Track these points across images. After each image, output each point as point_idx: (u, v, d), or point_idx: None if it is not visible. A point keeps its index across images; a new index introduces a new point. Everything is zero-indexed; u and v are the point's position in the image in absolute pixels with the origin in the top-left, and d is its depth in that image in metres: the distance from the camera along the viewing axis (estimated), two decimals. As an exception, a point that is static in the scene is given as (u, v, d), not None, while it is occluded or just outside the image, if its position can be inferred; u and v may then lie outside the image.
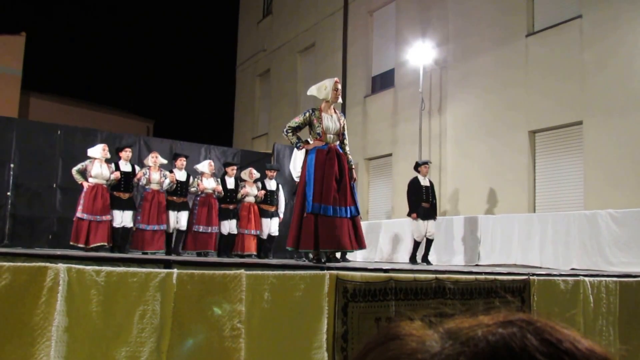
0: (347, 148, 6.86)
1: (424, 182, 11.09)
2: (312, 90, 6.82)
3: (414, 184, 11.08)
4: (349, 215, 6.40)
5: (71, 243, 10.22)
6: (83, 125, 16.26)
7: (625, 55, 10.64)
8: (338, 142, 6.65)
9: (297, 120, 6.65)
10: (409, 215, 11.06)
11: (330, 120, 6.58)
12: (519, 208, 12.11)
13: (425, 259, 10.98)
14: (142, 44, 48.78)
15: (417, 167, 11.30)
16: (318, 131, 6.53)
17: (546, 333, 0.62)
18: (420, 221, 10.86)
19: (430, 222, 10.96)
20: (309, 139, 6.74)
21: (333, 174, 6.35)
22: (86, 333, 3.22)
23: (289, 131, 6.66)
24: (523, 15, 12.72)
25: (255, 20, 25.02)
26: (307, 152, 6.61)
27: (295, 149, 8.43)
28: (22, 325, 3.04)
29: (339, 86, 6.69)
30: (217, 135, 32.49)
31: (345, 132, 6.87)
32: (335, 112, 6.72)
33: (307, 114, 6.61)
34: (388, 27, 17.24)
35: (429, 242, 11.04)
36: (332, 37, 19.41)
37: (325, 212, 6.22)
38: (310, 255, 6.43)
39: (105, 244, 10.37)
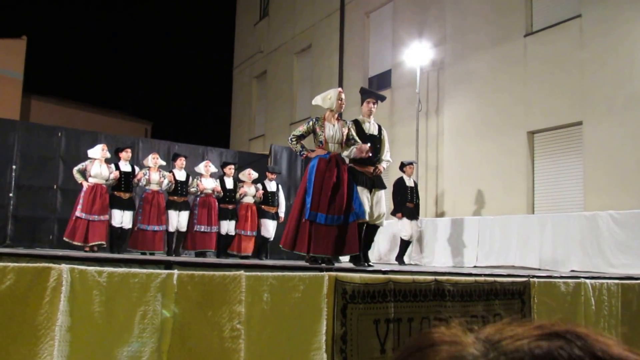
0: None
1: (409, 182, 11.21)
2: (317, 100, 6.93)
3: (399, 184, 11.17)
4: (341, 222, 6.50)
5: (65, 238, 10.33)
6: (83, 127, 16.39)
7: (626, 55, 10.63)
8: (340, 151, 6.75)
9: (301, 129, 6.82)
10: (393, 214, 11.13)
11: (333, 129, 6.70)
12: (518, 209, 12.11)
13: (400, 259, 11.05)
14: (141, 47, 48.88)
15: (402, 167, 11.39)
16: (320, 139, 6.66)
17: (595, 348, 0.59)
18: (406, 220, 10.95)
19: (413, 223, 11.05)
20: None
21: (331, 183, 6.46)
22: (88, 333, 3.23)
23: (294, 140, 6.83)
24: (522, 14, 12.73)
25: (252, 22, 25.03)
26: (309, 159, 6.75)
27: None
28: (26, 324, 3.05)
29: (343, 96, 6.83)
30: (214, 137, 32.48)
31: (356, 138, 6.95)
32: (338, 121, 6.83)
33: (311, 123, 6.76)
34: (385, 28, 17.25)
35: (408, 243, 11.15)
36: (328, 39, 19.41)
37: (320, 220, 6.37)
38: (306, 257, 6.54)
39: (103, 242, 10.44)
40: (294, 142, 6.82)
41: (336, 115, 6.83)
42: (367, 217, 6.99)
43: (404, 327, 4.64)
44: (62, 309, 3.10)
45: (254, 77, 24.45)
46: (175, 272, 3.59)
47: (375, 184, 7.17)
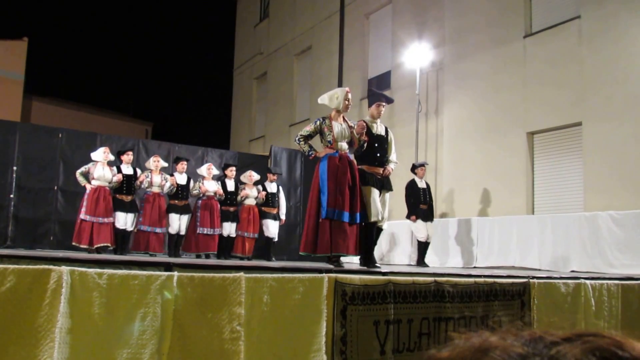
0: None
1: (421, 184, 11.16)
2: (324, 99, 6.89)
3: (411, 186, 11.12)
4: (358, 221, 6.53)
5: (73, 243, 10.38)
6: (83, 129, 16.45)
7: (624, 55, 10.63)
8: (348, 150, 6.74)
9: (308, 129, 6.77)
10: (408, 217, 11.10)
11: (340, 127, 6.70)
12: (518, 210, 12.10)
13: (420, 262, 11.01)
14: (141, 48, 48.92)
15: (414, 169, 11.35)
16: (329, 139, 6.64)
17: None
18: (421, 222, 10.90)
19: (428, 224, 11.00)
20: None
21: (346, 181, 6.46)
22: (88, 335, 3.23)
23: (301, 140, 6.78)
24: (521, 16, 12.72)
25: (252, 23, 25.04)
26: (319, 159, 6.70)
27: None
28: (26, 326, 3.05)
29: (350, 96, 6.81)
30: (214, 138, 32.48)
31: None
32: (344, 120, 6.84)
33: (318, 123, 6.73)
34: (384, 30, 17.26)
35: (426, 244, 11.08)
36: (328, 40, 19.42)
37: (340, 217, 6.33)
38: (329, 259, 6.49)
39: (109, 244, 10.49)
40: (302, 142, 6.77)
41: (342, 116, 6.83)
42: (374, 219, 6.90)
43: (403, 329, 4.64)
44: (62, 311, 3.11)
45: (254, 78, 24.46)
46: (175, 274, 3.59)
47: (384, 185, 7.12)
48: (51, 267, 3.18)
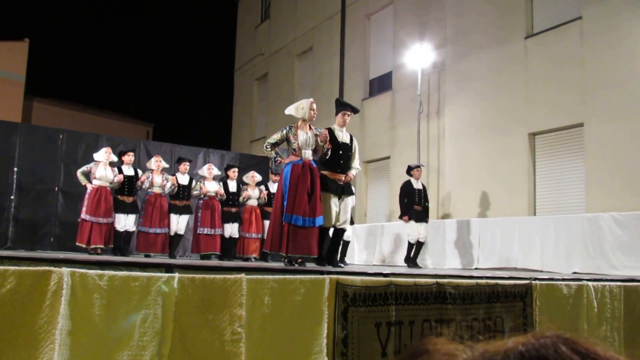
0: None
1: (417, 185, 11.22)
2: (290, 110, 7.36)
3: (406, 187, 11.20)
4: (317, 225, 6.96)
5: (77, 244, 10.41)
6: (84, 130, 16.47)
7: (626, 56, 10.61)
8: (312, 158, 7.18)
9: (276, 136, 7.25)
10: (400, 217, 11.17)
11: (306, 136, 7.14)
12: (519, 211, 12.08)
13: (414, 262, 11.05)
14: (142, 49, 48.95)
15: (409, 170, 11.40)
16: (294, 147, 7.10)
17: (576, 344, 0.63)
18: (413, 223, 10.96)
19: (423, 225, 11.06)
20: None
21: (305, 188, 6.88)
22: (89, 337, 3.22)
23: (268, 146, 7.29)
24: (522, 16, 12.71)
25: (253, 24, 25.05)
26: (284, 165, 7.19)
27: None
28: (27, 328, 3.04)
29: (315, 106, 7.27)
30: (215, 139, 32.52)
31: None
32: (310, 129, 7.27)
33: (285, 131, 7.21)
34: (386, 30, 17.25)
35: (420, 245, 11.14)
36: (329, 41, 19.41)
37: (296, 222, 6.76)
38: (285, 259, 7.00)
39: (102, 246, 10.45)
40: (269, 149, 7.26)
41: (308, 124, 7.26)
42: (329, 223, 7.30)
43: (405, 330, 4.62)
44: (62, 313, 3.09)
45: (255, 79, 24.47)
46: (176, 275, 3.57)
47: (344, 190, 7.48)
48: (52, 268, 3.17)
